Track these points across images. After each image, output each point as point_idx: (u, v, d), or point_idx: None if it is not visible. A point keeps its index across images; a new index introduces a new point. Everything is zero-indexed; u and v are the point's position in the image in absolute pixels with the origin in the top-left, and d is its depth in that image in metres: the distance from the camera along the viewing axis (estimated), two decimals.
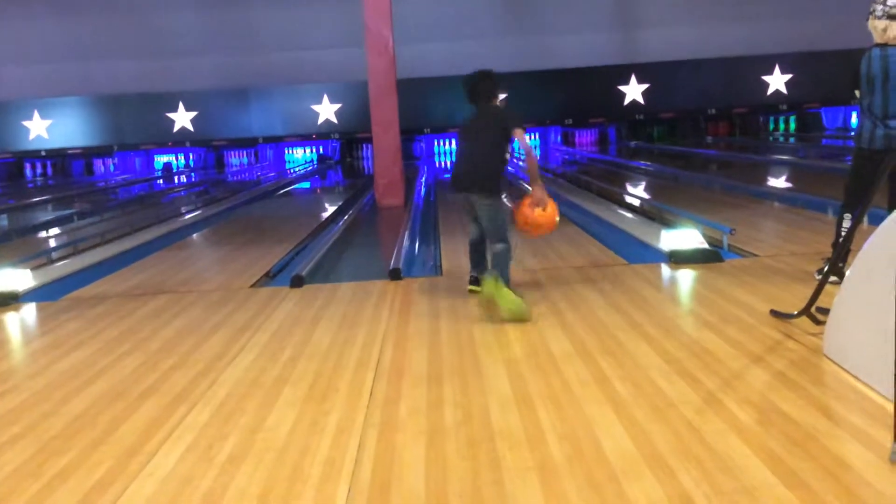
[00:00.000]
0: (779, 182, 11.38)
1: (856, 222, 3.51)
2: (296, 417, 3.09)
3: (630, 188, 11.32)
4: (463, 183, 4.80)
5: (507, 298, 4.32)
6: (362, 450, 2.76)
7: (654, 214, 7.85)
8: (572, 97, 19.84)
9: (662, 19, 19.51)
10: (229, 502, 2.44)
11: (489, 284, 4.39)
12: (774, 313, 4.04)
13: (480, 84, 4.86)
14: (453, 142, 21.42)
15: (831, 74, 19.65)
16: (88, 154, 20.31)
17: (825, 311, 3.60)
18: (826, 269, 3.91)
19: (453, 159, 21.39)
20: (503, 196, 4.89)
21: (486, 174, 4.70)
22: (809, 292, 3.88)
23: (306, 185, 16.34)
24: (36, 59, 19.47)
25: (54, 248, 7.53)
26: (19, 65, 19.58)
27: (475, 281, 4.96)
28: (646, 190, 11.24)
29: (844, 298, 3.30)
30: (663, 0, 19.56)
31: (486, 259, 4.89)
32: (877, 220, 3.49)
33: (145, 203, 13.47)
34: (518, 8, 19.71)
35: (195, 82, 19.47)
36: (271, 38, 19.32)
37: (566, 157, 18.71)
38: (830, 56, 19.43)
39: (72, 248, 7.73)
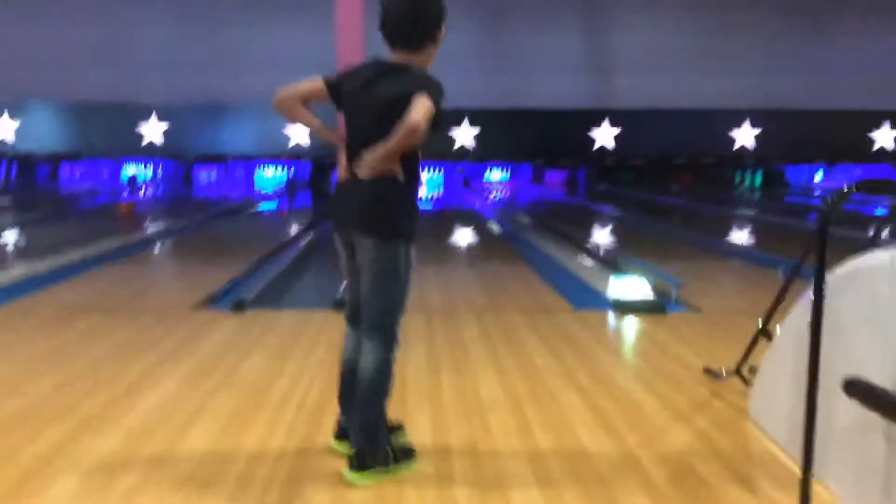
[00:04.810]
0: (738, 236, 11.53)
1: (789, 281, 3.53)
2: (207, 448, 3.01)
3: (592, 232, 11.39)
4: (336, 209, 2.92)
5: (392, 471, 2.82)
6: (268, 488, 2.69)
7: (610, 261, 7.88)
8: (544, 137, 20.07)
9: (637, 67, 19.84)
10: None
11: (355, 475, 2.76)
12: (707, 371, 4.05)
13: (404, 7, 2.75)
14: (436, 170, 21.44)
15: (798, 133, 20.16)
16: (55, 160, 20.03)
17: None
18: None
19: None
20: (405, 241, 2.81)
21: (373, 192, 2.75)
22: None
23: (273, 205, 16.25)
24: (7, 60, 19.24)
25: None
26: None
27: (343, 432, 2.98)
28: (606, 235, 11.32)
29: (771, 361, 3.31)
30: (640, 48, 19.91)
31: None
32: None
33: (103, 214, 13.27)
34: (494, 46, 19.94)
35: (168, 95, 19.34)
36: (248, 56, 19.30)
37: (534, 196, 18.84)
38: (799, 115, 19.93)
39: (14, 256, 7.56)
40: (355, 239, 2.82)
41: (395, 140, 2.61)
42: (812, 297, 2.36)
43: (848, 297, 2.59)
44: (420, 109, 2.58)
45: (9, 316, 5.22)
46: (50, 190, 18.08)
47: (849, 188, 2.30)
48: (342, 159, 2.87)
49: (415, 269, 2.86)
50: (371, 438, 2.79)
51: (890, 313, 2.35)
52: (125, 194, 17.94)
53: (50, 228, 10.72)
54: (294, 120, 2.93)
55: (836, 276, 2.61)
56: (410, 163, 2.77)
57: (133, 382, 3.80)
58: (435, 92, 2.65)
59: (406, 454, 2.90)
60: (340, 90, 2.86)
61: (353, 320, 2.95)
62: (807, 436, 2.37)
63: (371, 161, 2.70)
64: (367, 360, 2.81)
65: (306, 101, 2.89)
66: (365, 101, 2.78)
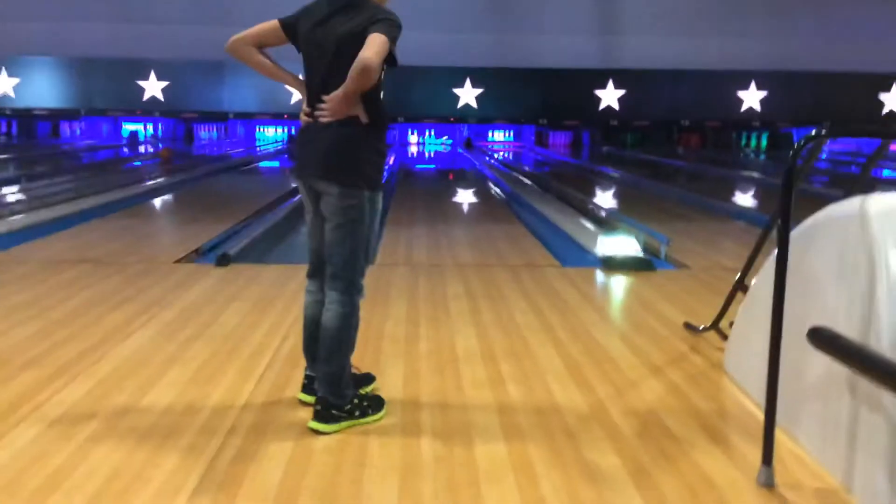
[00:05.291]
0: (739, 198, 11.41)
1: (765, 234, 3.47)
2: (174, 398, 3.00)
3: (590, 193, 11.28)
4: (298, 156, 2.83)
5: (363, 421, 2.77)
6: (229, 436, 2.68)
7: (602, 220, 7.82)
8: (548, 98, 19.83)
9: (644, 27, 19.52)
10: (80, 477, 2.36)
11: (320, 425, 2.69)
12: (687, 326, 4.01)
13: None
14: (430, 132, 21.32)
15: (806, 95, 19.86)
16: (55, 116, 19.92)
17: None
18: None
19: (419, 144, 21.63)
20: (370, 188, 2.71)
21: (336, 137, 2.66)
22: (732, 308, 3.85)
23: (275, 164, 16.17)
24: (7, 16, 19.04)
25: None
26: None
27: (310, 384, 2.90)
28: (605, 196, 11.24)
29: (744, 315, 3.27)
30: (646, 8, 19.57)
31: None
32: None
33: (101, 169, 13.22)
34: (500, 4, 19.62)
35: (169, 52, 19.15)
36: (249, 12, 19.06)
37: (538, 157, 18.69)
38: (807, 77, 19.61)
39: (8, 209, 7.56)
40: (318, 186, 2.75)
41: (350, 81, 2.54)
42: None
43: (817, 248, 2.54)
44: (372, 47, 2.50)
45: None
46: (50, 145, 18.01)
47: (817, 132, 2.23)
48: (304, 104, 2.79)
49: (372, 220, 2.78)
50: (336, 389, 2.75)
51: (858, 262, 2.29)
52: (126, 150, 17.88)
53: (47, 182, 10.68)
54: (248, 63, 2.82)
55: (806, 226, 2.55)
56: (374, 105, 2.70)
57: (109, 332, 3.79)
58: (389, 27, 2.57)
59: (374, 404, 2.88)
60: (297, 30, 2.77)
61: (315, 272, 2.90)
62: (770, 386, 2.34)
63: (330, 105, 2.63)
64: (331, 311, 2.76)
65: (262, 44, 2.80)
66: (320, 40, 2.71)
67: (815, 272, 2.56)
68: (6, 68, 19.32)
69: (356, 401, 2.81)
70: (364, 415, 2.80)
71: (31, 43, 19.12)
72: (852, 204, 2.34)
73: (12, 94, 19.43)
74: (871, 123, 19.84)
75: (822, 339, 2.14)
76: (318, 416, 2.74)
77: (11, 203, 7.94)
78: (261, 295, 4.60)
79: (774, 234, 2.59)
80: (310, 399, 2.89)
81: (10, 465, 2.43)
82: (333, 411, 2.74)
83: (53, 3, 18.99)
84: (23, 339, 3.67)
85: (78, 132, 20.31)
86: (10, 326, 3.86)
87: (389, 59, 2.59)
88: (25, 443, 2.59)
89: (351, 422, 2.76)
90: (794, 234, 2.64)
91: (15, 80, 19.39)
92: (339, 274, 2.75)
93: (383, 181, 2.85)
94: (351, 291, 2.77)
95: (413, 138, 20.78)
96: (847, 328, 2.31)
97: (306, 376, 2.96)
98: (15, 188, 10.09)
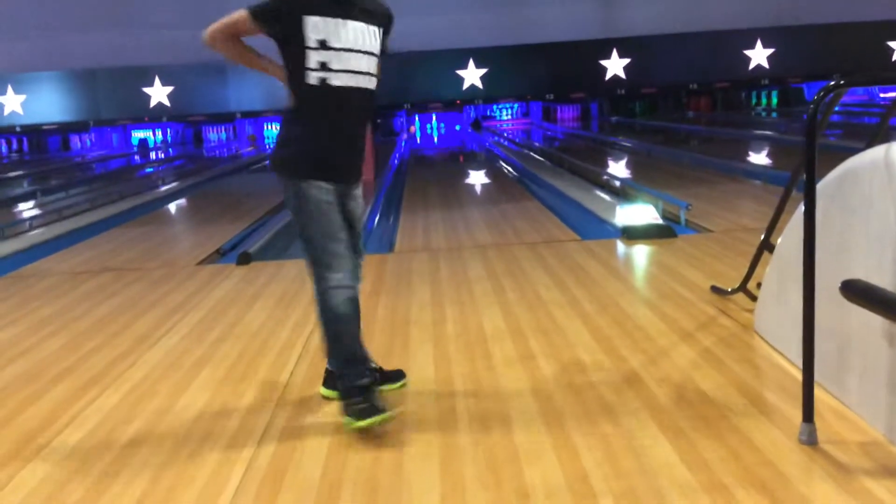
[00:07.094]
0: (753, 157, 11.29)
1: (788, 191, 3.42)
2: (209, 399, 3.01)
3: (603, 164, 11.21)
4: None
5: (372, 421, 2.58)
6: (266, 433, 2.69)
7: (619, 190, 7.76)
8: (553, 72, 19.65)
9: None
10: (122, 483, 2.37)
11: (346, 419, 2.62)
12: (714, 289, 3.97)
13: None
14: (434, 117, 21.25)
15: (814, 48, 19.55)
16: (64, 129, 20.01)
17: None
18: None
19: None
20: (300, 178, 2.61)
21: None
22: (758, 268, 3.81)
23: None
24: (8, 34, 19.11)
25: (7, 225, 7.40)
26: None
27: (330, 377, 2.89)
28: (618, 166, 11.15)
29: (772, 273, 3.23)
30: None
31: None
32: None
33: (114, 178, 13.28)
34: None
35: (171, 56, 19.14)
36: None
37: (547, 133, 18.58)
38: (813, 30, 19.30)
39: (27, 224, 7.61)
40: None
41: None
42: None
43: (843, 201, 2.49)
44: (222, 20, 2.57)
45: (15, 282, 5.26)
46: (62, 159, 18.12)
47: (836, 82, 2.18)
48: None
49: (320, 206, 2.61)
50: (345, 379, 2.66)
51: (886, 211, 2.25)
52: (136, 158, 17.95)
53: (63, 195, 10.76)
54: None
55: (829, 179, 2.50)
56: (304, 92, 2.57)
57: (137, 339, 3.81)
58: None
59: (367, 413, 2.58)
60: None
61: None
62: (806, 341, 2.30)
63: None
64: (315, 303, 2.70)
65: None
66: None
67: (842, 225, 2.52)
68: (12, 86, 19.41)
69: (356, 401, 2.60)
70: (352, 416, 2.59)
71: (34, 59, 19.17)
72: (876, 153, 2.29)
73: (20, 111, 19.52)
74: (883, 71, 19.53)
75: (856, 291, 2.11)
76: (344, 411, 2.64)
77: (29, 218, 8.01)
78: (284, 291, 4.61)
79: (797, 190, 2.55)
80: (328, 393, 2.89)
81: (52, 477, 2.45)
82: (350, 401, 2.63)
83: (52, 17, 19.02)
84: (52, 351, 3.70)
85: (88, 143, 20.42)
86: (39, 340, 3.89)
87: (292, 40, 2.54)
88: (64, 455, 2.60)
89: (371, 410, 2.58)
90: (819, 187, 2.60)
91: (22, 97, 19.48)
92: (308, 263, 2.68)
93: (337, 171, 2.64)
94: (319, 282, 2.65)
95: (413, 129, 20.60)
96: (879, 279, 2.27)
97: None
98: (31, 203, 10.17)
